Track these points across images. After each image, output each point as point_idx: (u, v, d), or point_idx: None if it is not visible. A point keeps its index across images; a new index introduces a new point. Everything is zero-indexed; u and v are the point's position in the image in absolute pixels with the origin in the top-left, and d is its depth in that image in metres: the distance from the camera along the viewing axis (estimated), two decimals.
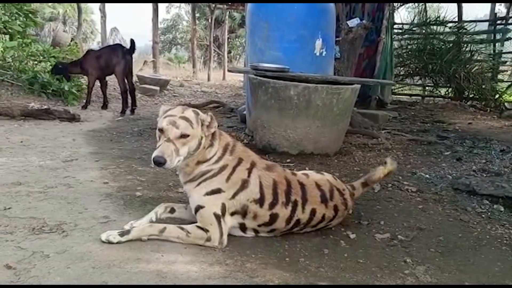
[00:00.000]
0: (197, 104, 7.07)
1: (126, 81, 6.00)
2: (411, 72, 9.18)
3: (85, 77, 6.40)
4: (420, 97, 9.67)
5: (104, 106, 6.41)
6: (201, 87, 10.07)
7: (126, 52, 5.93)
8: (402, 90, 9.86)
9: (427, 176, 3.43)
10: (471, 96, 8.67)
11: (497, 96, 8.74)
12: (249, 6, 4.78)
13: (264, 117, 3.80)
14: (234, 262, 1.92)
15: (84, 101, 6.32)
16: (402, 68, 9.28)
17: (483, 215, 2.62)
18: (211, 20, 14.40)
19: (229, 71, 4.59)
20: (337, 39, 5.92)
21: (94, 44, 22.71)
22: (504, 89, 9.32)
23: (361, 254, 2.06)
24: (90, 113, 6.02)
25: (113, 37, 23.50)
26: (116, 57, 5.87)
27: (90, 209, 2.48)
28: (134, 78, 8.58)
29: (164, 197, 2.74)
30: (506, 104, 8.49)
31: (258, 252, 2.04)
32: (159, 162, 1.89)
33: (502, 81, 9.66)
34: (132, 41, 5.98)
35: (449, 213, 2.63)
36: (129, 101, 6.12)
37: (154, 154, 1.90)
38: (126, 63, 5.91)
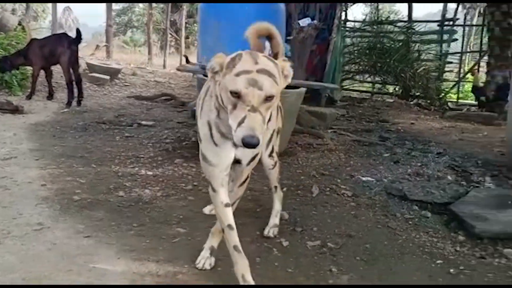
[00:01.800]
0: (148, 96, 7.00)
1: (72, 71, 5.84)
2: (362, 69, 9.42)
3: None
4: (369, 94, 9.96)
5: (50, 96, 6.23)
6: (155, 76, 9.92)
7: (71, 41, 5.77)
8: (353, 87, 10.12)
9: (364, 179, 3.58)
10: (417, 94, 9.02)
11: (441, 95, 9.16)
12: (201, 5, 4.77)
13: None
14: (166, 273, 1.97)
15: (29, 90, 6.11)
16: (353, 66, 9.50)
17: (410, 222, 2.78)
18: (169, 3, 14.12)
19: (177, 69, 4.56)
20: (288, 37, 6.00)
21: (46, 23, 21.74)
22: (449, 88, 9.79)
23: (291, 263, 2.15)
24: (34, 104, 5.84)
25: (65, 16, 22.59)
26: (61, 46, 5.70)
27: (25, 215, 2.45)
28: (83, 66, 8.37)
29: (102, 201, 2.73)
30: (449, 104, 8.90)
31: (191, 262, 2.09)
32: (252, 144, 1.41)
33: (448, 80, 10.11)
34: (78, 30, 5.82)
35: (379, 219, 2.77)
36: (76, 91, 5.96)
37: (242, 132, 1.41)
38: (71, 53, 5.76)
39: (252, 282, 1.82)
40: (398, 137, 5.46)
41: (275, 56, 2.32)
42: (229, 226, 1.83)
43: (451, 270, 2.18)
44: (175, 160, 3.68)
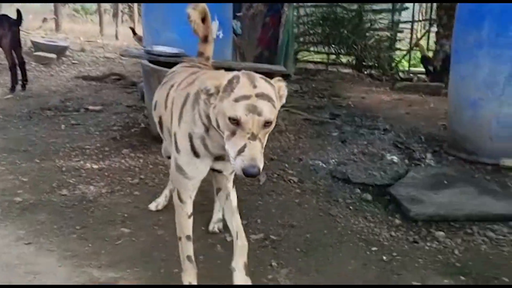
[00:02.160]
0: (97, 76, 6.79)
1: (14, 54, 5.58)
2: (316, 41, 9.44)
3: None
4: (324, 65, 10.03)
5: None
6: (105, 52, 9.61)
7: (12, 23, 5.49)
8: (308, 58, 10.15)
9: (311, 163, 3.67)
10: (370, 64, 9.16)
11: (393, 64, 9.35)
12: None
13: None
14: (107, 280, 1.99)
15: None
16: (307, 37, 9.50)
17: (351, 207, 2.89)
18: None
19: (121, 55, 4.43)
20: (238, 14, 5.93)
21: None
22: (400, 58, 9.98)
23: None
24: None
25: None
26: (1, 29, 5.42)
27: None
28: (29, 44, 8.01)
29: (45, 202, 2.70)
30: (400, 74, 9.10)
31: (133, 265, 2.11)
32: (254, 174, 1.38)
33: (400, 49, 10.29)
34: (18, 12, 5.53)
35: (321, 207, 2.87)
36: (20, 75, 5.72)
37: (244, 163, 1.37)
38: (13, 34, 5.49)
39: None
40: (348, 113, 5.57)
41: (205, 38, 2.41)
42: (188, 237, 1.86)
43: (384, 257, 2.31)
44: (122, 150, 3.64)
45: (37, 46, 8.00)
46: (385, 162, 3.62)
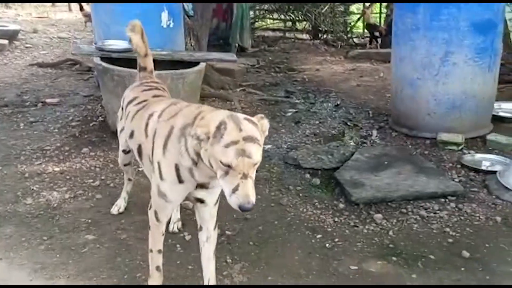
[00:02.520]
0: (52, 63, 6.71)
1: None
2: (271, 9, 9.48)
3: None
4: (282, 32, 10.12)
5: None
6: (58, 31, 9.38)
7: None
8: (265, 26, 10.21)
9: (265, 148, 3.88)
10: (325, 29, 9.29)
11: (348, 29, 9.54)
12: None
13: (113, 103, 3.88)
14: None
15: None
16: (263, 5, 9.52)
17: (301, 194, 3.15)
18: None
19: (72, 54, 4.41)
20: None
21: None
22: (355, 22, 10.15)
23: (192, 259, 2.43)
24: None
25: None
26: None
27: None
28: None
29: (11, 213, 2.83)
30: (355, 39, 9.30)
31: (100, 273, 2.31)
32: (249, 209, 1.56)
33: (354, 13, 10.44)
34: None
35: (273, 196, 3.11)
36: None
37: (239, 200, 1.52)
38: None
39: None
40: (302, 89, 5.79)
41: (145, 54, 2.60)
42: (159, 250, 2.04)
43: (327, 245, 2.59)
44: (82, 149, 3.75)
45: None
46: (333, 145, 3.87)
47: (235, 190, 1.53)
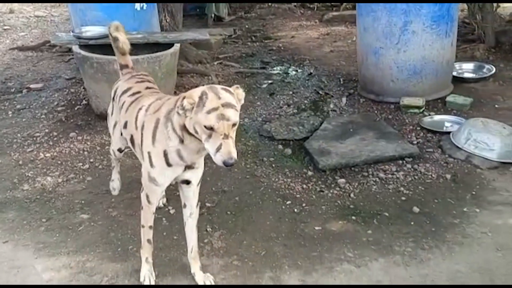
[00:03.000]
0: (32, 46, 6.81)
1: None
2: None
3: None
4: None
5: None
6: (34, 10, 9.35)
7: None
8: None
9: (241, 122, 4.16)
10: None
11: None
12: None
13: (94, 88, 4.12)
14: (77, 264, 2.51)
15: None
16: None
17: (274, 165, 3.46)
18: None
19: (52, 43, 4.51)
20: None
21: None
22: None
23: (176, 230, 2.76)
24: None
25: None
26: None
27: None
28: None
29: (11, 199, 3.12)
30: None
31: (96, 247, 2.64)
32: (232, 164, 1.80)
33: None
34: None
35: (248, 169, 3.42)
36: None
37: (223, 157, 1.77)
38: None
39: (151, 261, 2.38)
40: (277, 58, 6.01)
41: (124, 52, 2.79)
42: (150, 226, 2.32)
43: (295, 209, 2.93)
44: (70, 133, 4.00)
45: None
46: (304, 115, 4.15)
47: (218, 149, 1.78)
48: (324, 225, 2.78)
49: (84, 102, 4.64)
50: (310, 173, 3.33)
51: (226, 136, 1.79)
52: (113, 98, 2.67)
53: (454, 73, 4.61)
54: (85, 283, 2.39)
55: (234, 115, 1.81)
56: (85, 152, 3.71)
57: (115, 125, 2.69)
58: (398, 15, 4.00)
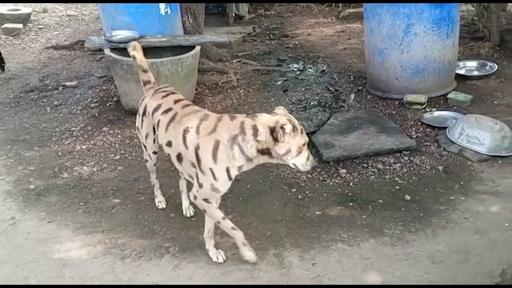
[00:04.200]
0: (66, 45, 7.33)
1: None
2: None
3: None
4: None
5: None
6: (66, 9, 9.92)
7: None
8: None
9: None
10: None
11: None
12: None
13: (124, 87, 4.57)
14: (110, 241, 2.95)
15: None
16: None
17: None
18: None
19: (86, 47, 4.96)
20: None
21: None
22: None
23: (193, 212, 3.18)
24: None
25: None
26: None
27: None
28: None
29: (53, 186, 3.59)
30: None
31: (127, 227, 3.08)
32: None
33: None
34: None
35: None
36: None
37: (312, 163, 2.42)
38: None
39: (248, 245, 2.62)
40: (293, 56, 6.35)
41: (145, 70, 2.99)
42: (223, 218, 2.63)
43: (299, 196, 3.31)
44: (103, 128, 4.47)
45: (2, 17, 8.35)
46: (313, 111, 4.51)
47: (308, 158, 2.39)
48: (324, 210, 3.15)
49: (115, 99, 5.10)
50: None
51: (307, 149, 2.39)
52: (143, 113, 2.84)
53: (458, 71, 4.87)
54: (116, 255, 2.83)
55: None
56: (116, 145, 4.17)
57: (147, 136, 2.89)
58: (401, 18, 4.29)
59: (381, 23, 4.42)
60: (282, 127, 2.24)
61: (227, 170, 2.39)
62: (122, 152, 4.04)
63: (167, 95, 2.77)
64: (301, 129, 2.33)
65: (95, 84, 5.63)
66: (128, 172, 3.72)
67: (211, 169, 2.39)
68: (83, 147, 4.16)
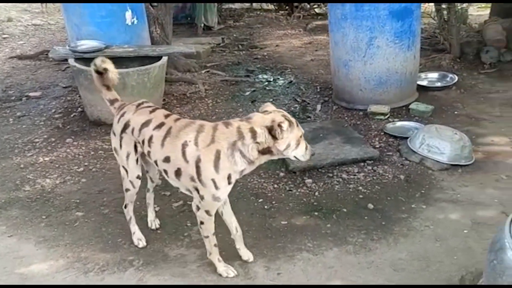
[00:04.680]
0: (30, 55, 7.18)
1: None
2: None
3: None
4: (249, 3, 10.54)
5: None
6: (32, 18, 9.74)
7: None
8: None
9: None
10: None
11: None
12: None
13: (89, 98, 4.52)
14: (73, 255, 2.90)
15: None
16: None
17: None
18: None
19: (50, 56, 4.87)
20: None
21: None
22: None
23: (160, 226, 3.16)
24: None
25: None
26: None
27: None
28: None
29: (14, 199, 3.50)
30: (316, 9, 9.81)
31: (90, 240, 3.03)
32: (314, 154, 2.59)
33: None
34: None
35: None
36: None
37: (312, 151, 2.50)
38: None
39: (221, 260, 2.68)
40: (261, 67, 6.42)
41: (109, 87, 2.82)
42: (213, 233, 2.65)
43: (266, 206, 3.33)
44: (66, 139, 4.39)
45: None
46: None
47: (306, 148, 2.46)
48: (290, 220, 3.18)
49: (79, 109, 5.03)
50: (281, 174, 3.72)
51: (304, 139, 2.47)
52: (123, 131, 2.68)
53: (420, 82, 5.03)
54: (79, 270, 2.77)
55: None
56: (80, 156, 4.10)
57: (128, 156, 2.71)
58: (364, 31, 4.41)
59: (345, 36, 4.52)
60: (279, 125, 2.27)
61: (229, 176, 2.39)
62: (86, 164, 3.98)
63: (154, 110, 2.65)
64: (296, 122, 2.39)
65: (59, 95, 5.53)
66: (92, 185, 3.67)
67: (213, 179, 2.37)
68: (46, 159, 4.08)
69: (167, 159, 2.49)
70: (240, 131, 2.34)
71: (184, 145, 2.41)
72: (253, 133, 2.31)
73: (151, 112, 2.63)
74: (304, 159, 2.48)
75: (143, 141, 2.58)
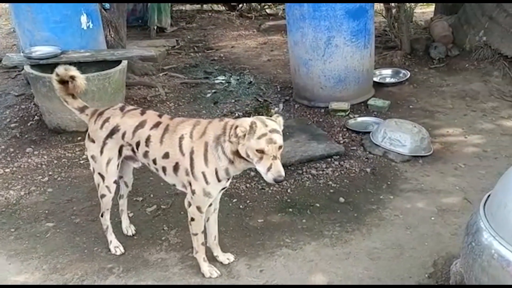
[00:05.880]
0: None
1: None
2: None
3: None
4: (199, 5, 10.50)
5: None
6: None
7: None
8: None
9: None
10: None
11: None
12: None
13: (48, 105, 4.37)
14: (48, 266, 2.81)
15: None
16: None
17: None
18: None
19: (4, 64, 4.66)
20: None
21: None
22: None
23: (136, 231, 3.13)
24: None
25: None
26: None
27: None
28: None
29: None
30: (267, 10, 9.93)
31: (65, 251, 2.95)
32: (282, 181, 2.24)
33: None
34: None
35: None
36: None
37: (273, 175, 2.14)
38: None
39: (207, 260, 2.70)
40: (219, 68, 6.44)
41: (73, 96, 2.75)
42: (202, 232, 2.65)
43: (241, 206, 3.38)
44: (26, 149, 4.23)
45: None
46: None
47: (269, 169, 2.15)
48: (266, 218, 3.25)
49: (36, 117, 4.84)
50: (252, 173, 3.77)
51: (274, 157, 2.16)
52: (108, 136, 2.62)
53: (375, 79, 5.24)
54: (58, 282, 2.70)
55: (279, 139, 2.19)
56: (43, 166, 3.97)
57: (108, 162, 2.66)
58: (322, 31, 4.55)
59: (304, 36, 4.65)
60: (235, 127, 2.22)
61: (216, 171, 2.39)
62: (50, 173, 3.86)
63: (143, 112, 2.66)
64: (263, 135, 2.14)
65: (12, 103, 5.30)
66: (59, 194, 3.57)
67: (203, 172, 2.40)
68: (7, 170, 3.91)
69: (166, 155, 2.50)
70: (225, 127, 2.36)
71: (181, 139, 2.45)
72: (235, 130, 2.27)
73: (142, 114, 2.63)
74: (266, 178, 2.20)
75: (137, 143, 2.57)
